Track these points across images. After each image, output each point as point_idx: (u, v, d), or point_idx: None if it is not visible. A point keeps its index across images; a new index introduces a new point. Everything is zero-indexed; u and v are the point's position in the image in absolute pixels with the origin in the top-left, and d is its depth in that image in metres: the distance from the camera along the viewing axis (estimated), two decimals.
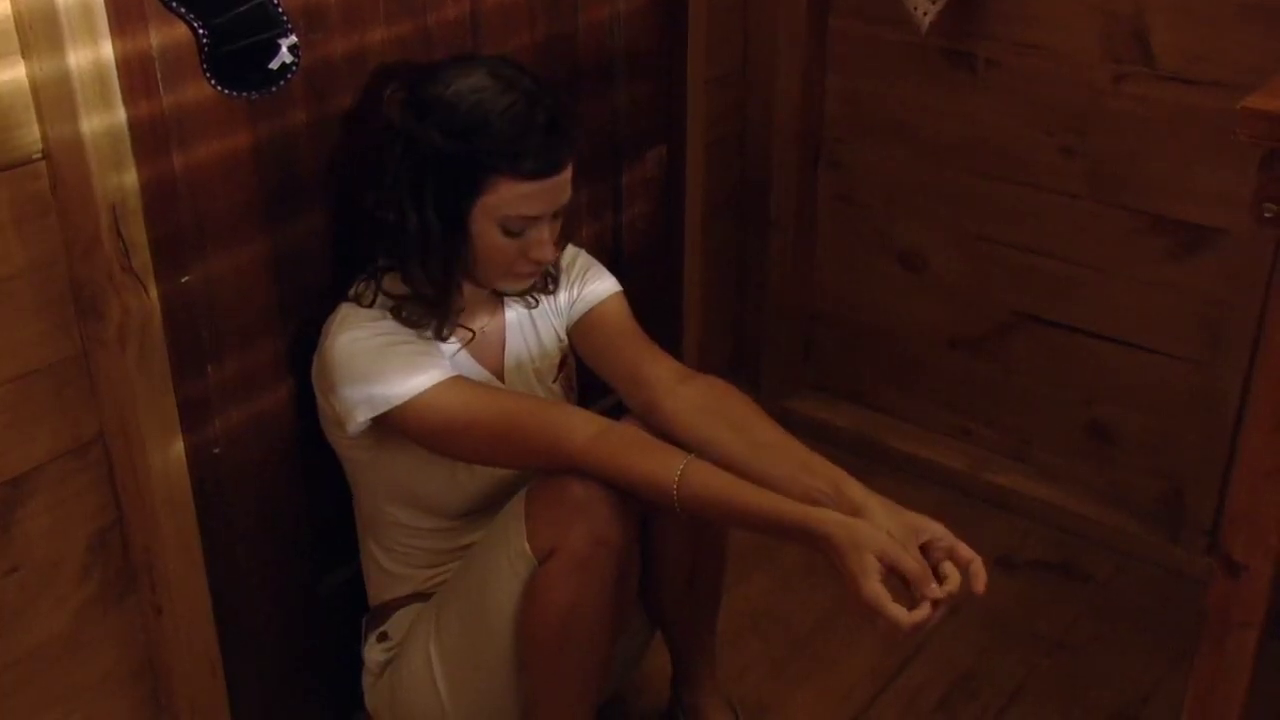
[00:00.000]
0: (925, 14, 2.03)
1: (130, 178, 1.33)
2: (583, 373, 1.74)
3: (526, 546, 1.46)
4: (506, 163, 1.43)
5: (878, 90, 2.26)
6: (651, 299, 1.92)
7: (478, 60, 1.51)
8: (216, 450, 1.53)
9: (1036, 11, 2.03)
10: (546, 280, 1.65)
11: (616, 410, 1.63)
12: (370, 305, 1.52)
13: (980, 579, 1.35)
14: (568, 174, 1.49)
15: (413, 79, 1.50)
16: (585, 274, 1.68)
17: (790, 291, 2.47)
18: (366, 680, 1.69)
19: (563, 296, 1.67)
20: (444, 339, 1.55)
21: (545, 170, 1.45)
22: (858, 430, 2.45)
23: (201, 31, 1.35)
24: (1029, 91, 2.09)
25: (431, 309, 1.52)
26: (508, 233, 1.48)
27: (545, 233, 1.51)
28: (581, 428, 1.46)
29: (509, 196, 1.45)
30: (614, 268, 1.73)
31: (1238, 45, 1.86)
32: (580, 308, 1.66)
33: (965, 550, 1.36)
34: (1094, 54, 2.00)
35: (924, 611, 1.31)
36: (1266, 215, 1.26)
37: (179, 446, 1.47)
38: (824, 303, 2.49)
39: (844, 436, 2.43)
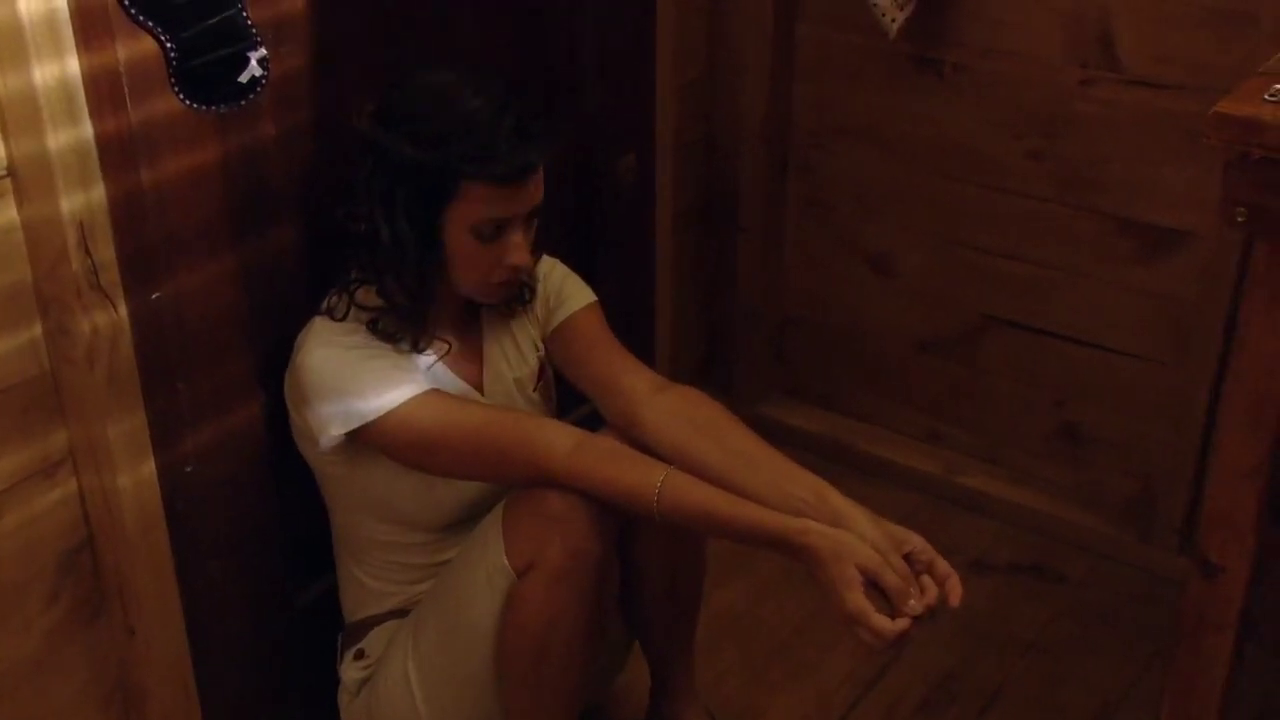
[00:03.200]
0: (893, 20, 2.03)
1: (98, 194, 1.31)
2: (559, 381, 1.73)
3: (505, 560, 1.45)
4: (476, 168, 1.42)
5: (845, 95, 2.26)
6: (623, 306, 1.92)
7: (445, 67, 1.50)
8: (188, 468, 1.51)
9: (1003, 16, 2.04)
10: (523, 290, 1.64)
11: (593, 418, 1.62)
12: (343, 319, 1.51)
13: (956, 594, 1.37)
14: (539, 176, 1.48)
15: (380, 89, 1.48)
16: (561, 284, 1.67)
17: (760, 296, 2.47)
18: (343, 699, 1.67)
19: (539, 306, 1.67)
20: (421, 351, 1.54)
21: (515, 174, 1.44)
22: (829, 435, 2.46)
23: (169, 45, 1.34)
24: (996, 96, 2.10)
25: (407, 321, 1.51)
26: (481, 238, 1.47)
27: (519, 236, 1.50)
28: (559, 441, 1.45)
29: (480, 202, 1.44)
30: (586, 276, 1.72)
31: (1202, 48, 1.88)
32: (556, 318, 1.66)
33: (944, 565, 1.38)
34: (1060, 58, 2.02)
35: (905, 623, 1.31)
36: (1238, 219, 1.27)
37: (150, 465, 1.45)
38: (794, 307, 2.49)
39: (815, 441, 2.43)
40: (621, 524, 1.51)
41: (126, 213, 1.36)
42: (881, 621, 1.30)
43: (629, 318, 2.10)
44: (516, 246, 1.49)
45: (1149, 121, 1.97)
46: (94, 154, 1.30)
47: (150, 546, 1.48)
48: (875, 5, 2.03)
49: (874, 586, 1.32)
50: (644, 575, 1.63)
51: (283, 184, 1.53)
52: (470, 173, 1.43)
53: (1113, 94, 1.99)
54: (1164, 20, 1.90)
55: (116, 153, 1.33)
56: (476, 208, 1.45)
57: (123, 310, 1.37)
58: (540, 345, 1.68)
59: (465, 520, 1.58)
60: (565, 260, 1.72)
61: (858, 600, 1.30)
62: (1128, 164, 2.01)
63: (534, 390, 1.68)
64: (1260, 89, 1.29)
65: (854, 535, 1.34)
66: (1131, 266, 2.06)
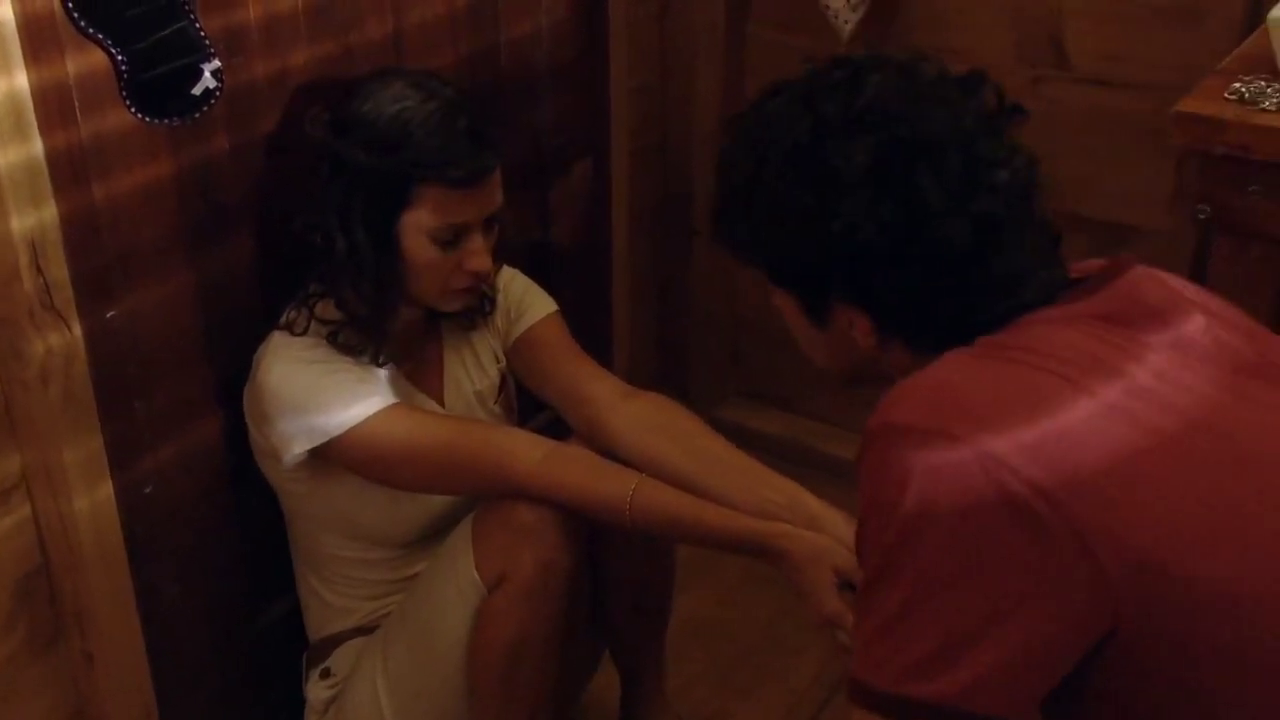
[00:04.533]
0: (846, 22, 2.04)
1: (49, 212, 1.28)
2: (519, 389, 1.71)
3: (475, 574, 1.43)
4: (432, 173, 1.40)
5: None
6: (579, 311, 1.91)
7: (397, 73, 1.48)
8: (147, 489, 1.48)
9: (953, 17, 2.06)
10: (483, 302, 1.62)
11: (554, 425, 1.61)
12: (303, 333, 1.48)
13: None
14: (495, 179, 1.46)
15: (334, 97, 1.46)
16: (522, 295, 1.66)
17: (715, 299, 2.47)
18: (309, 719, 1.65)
19: (500, 318, 1.65)
20: (381, 364, 1.51)
21: (471, 178, 1.42)
22: (788, 436, 2.46)
23: (120, 58, 1.31)
24: None
25: (368, 333, 1.49)
26: (440, 244, 1.45)
27: (478, 242, 1.47)
28: (527, 452, 1.44)
29: (437, 207, 1.42)
30: (541, 282, 1.71)
31: (1150, 47, 1.90)
32: (518, 329, 1.64)
33: None
34: (1010, 57, 2.03)
35: None
36: (1200, 216, 1.29)
37: (107, 487, 1.42)
38: (750, 310, 2.49)
39: (774, 443, 2.43)
40: (590, 533, 1.50)
41: (79, 230, 1.33)
42: None
43: (585, 323, 2.08)
44: (476, 252, 1.47)
45: (1099, 119, 1.99)
46: (44, 170, 1.27)
47: (108, 571, 1.44)
48: (828, 8, 2.04)
49: (850, 588, 1.32)
50: (613, 584, 1.62)
51: (238, 198, 1.51)
52: (425, 177, 1.41)
53: (1062, 93, 2.01)
54: (1112, 19, 1.92)
55: (67, 169, 1.30)
56: (433, 213, 1.43)
57: (77, 330, 1.34)
58: (501, 357, 1.67)
59: (431, 535, 1.57)
60: (521, 267, 1.71)
61: (835, 603, 1.30)
62: (1079, 161, 2.03)
63: (495, 403, 1.67)
64: (1219, 87, 1.31)
65: (829, 538, 1.34)
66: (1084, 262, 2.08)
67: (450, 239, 1.45)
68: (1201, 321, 0.99)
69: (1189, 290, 1.05)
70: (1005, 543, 0.87)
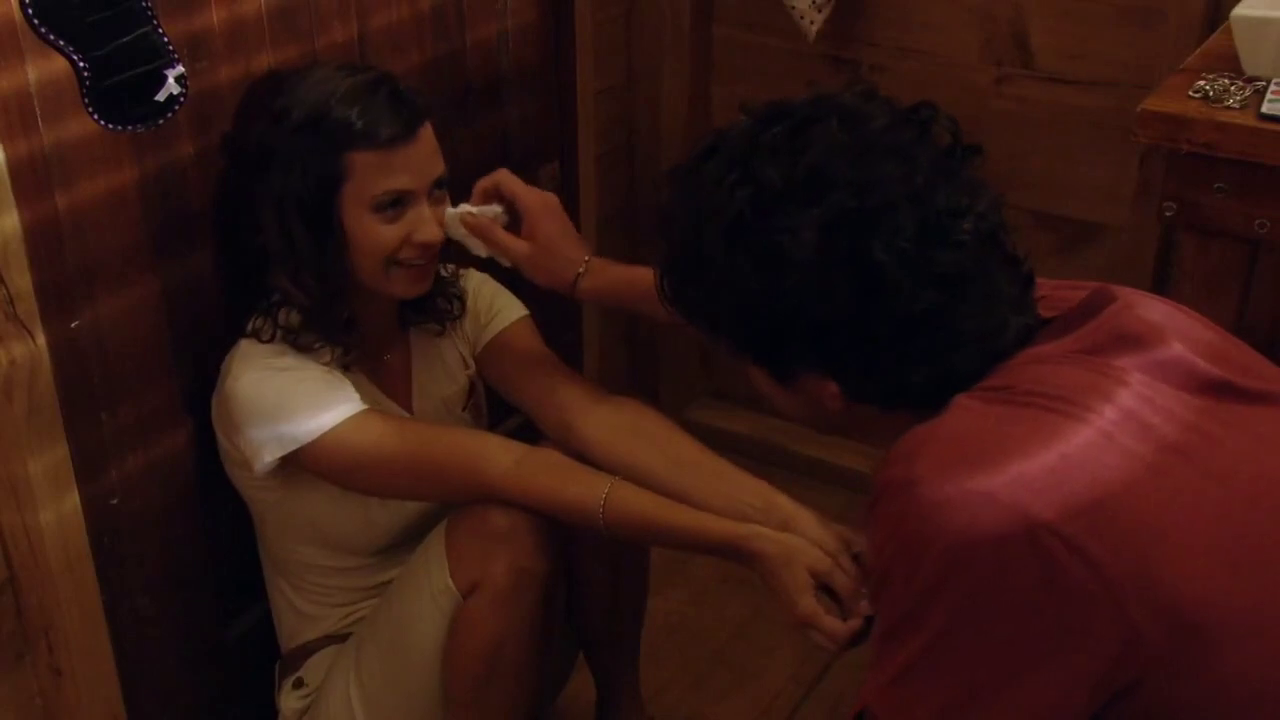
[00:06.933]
0: (812, 23, 2.04)
1: (11, 221, 1.26)
2: (490, 394, 1.70)
3: (449, 581, 1.42)
4: (359, 139, 1.39)
5: (763, 98, 2.26)
6: (549, 316, 1.91)
7: (321, 64, 1.49)
8: (114, 501, 1.47)
9: (918, 17, 2.06)
10: (452, 304, 1.61)
11: (525, 429, 1.60)
12: (270, 340, 1.47)
13: None
14: (428, 139, 1.44)
15: (263, 94, 1.46)
16: (492, 300, 1.65)
17: None
18: None
19: (469, 323, 1.64)
20: (348, 369, 1.50)
21: (399, 135, 1.40)
22: (759, 436, 2.46)
23: (82, 64, 1.29)
24: (913, 96, 2.09)
25: (323, 329, 1.47)
26: (383, 216, 1.42)
27: (425, 212, 1.45)
28: (499, 456, 1.43)
29: (371, 172, 1.40)
30: (511, 288, 1.70)
31: (1113, 45, 1.91)
32: (488, 334, 1.63)
33: None
34: (975, 56, 2.04)
35: (857, 623, 1.31)
36: (1167, 214, 1.30)
37: (74, 499, 1.40)
38: None
39: (746, 444, 2.43)
40: (564, 537, 1.49)
41: (42, 239, 1.31)
42: (833, 623, 1.29)
43: (555, 327, 2.08)
44: (425, 222, 1.44)
45: (1063, 117, 2.00)
46: (6, 179, 1.25)
47: (76, 584, 1.43)
48: (793, 8, 2.04)
49: (824, 589, 1.32)
50: (587, 588, 1.61)
51: (202, 205, 1.49)
52: (352, 144, 1.39)
53: (1027, 91, 2.02)
54: (1075, 18, 1.93)
55: (29, 177, 1.29)
56: (370, 180, 1.40)
57: (41, 340, 1.32)
58: (470, 362, 1.66)
59: (403, 542, 1.56)
60: (490, 272, 1.69)
61: (809, 604, 1.30)
62: (1044, 159, 2.04)
63: (464, 409, 1.66)
64: (1183, 86, 1.32)
65: (803, 538, 1.34)
66: (1051, 260, 2.09)
67: (390, 204, 1.42)
68: (1173, 345, 0.98)
69: (1158, 313, 1.04)
70: (1035, 588, 0.86)
